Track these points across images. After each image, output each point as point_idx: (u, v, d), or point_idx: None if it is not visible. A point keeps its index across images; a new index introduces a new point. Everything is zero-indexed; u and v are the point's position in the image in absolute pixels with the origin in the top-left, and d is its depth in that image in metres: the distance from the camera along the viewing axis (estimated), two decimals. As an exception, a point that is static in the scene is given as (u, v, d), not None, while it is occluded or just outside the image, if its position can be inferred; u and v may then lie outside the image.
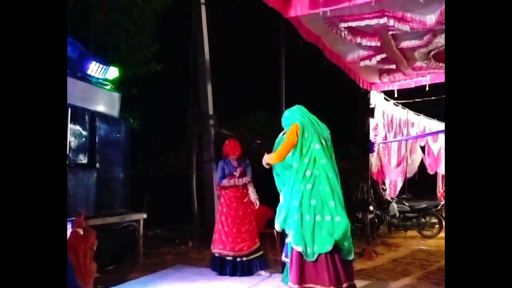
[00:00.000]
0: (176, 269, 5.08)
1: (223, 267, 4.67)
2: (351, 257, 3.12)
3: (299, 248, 3.04)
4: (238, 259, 4.65)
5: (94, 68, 5.11)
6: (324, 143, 3.25)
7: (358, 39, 5.59)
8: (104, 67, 5.25)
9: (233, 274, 4.59)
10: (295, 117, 3.41)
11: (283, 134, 3.58)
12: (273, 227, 5.94)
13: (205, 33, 7.67)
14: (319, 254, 3.02)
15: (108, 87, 5.47)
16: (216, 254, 4.75)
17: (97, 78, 5.27)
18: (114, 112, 5.49)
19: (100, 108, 5.29)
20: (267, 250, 5.47)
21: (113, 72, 5.40)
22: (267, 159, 3.47)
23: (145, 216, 5.82)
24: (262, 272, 4.68)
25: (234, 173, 4.80)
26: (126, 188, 5.75)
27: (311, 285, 3.03)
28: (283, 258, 3.99)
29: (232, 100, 10.67)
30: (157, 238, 7.70)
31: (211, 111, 7.57)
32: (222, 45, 9.11)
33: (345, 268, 3.08)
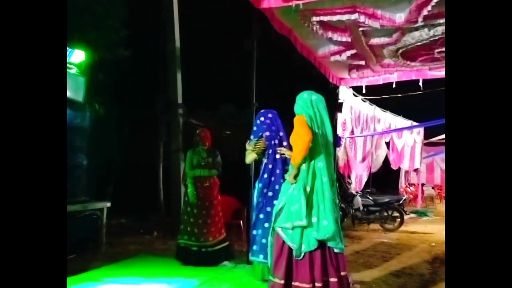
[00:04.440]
0: (140, 258, 5.00)
1: (188, 257, 4.64)
2: (338, 250, 3.11)
3: (293, 246, 3.03)
4: (203, 250, 4.64)
5: (58, 51, 4.89)
6: (323, 145, 3.17)
7: (329, 34, 5.65)
8: (69, 50, 5.05)
9: (197, 264, 4.57)
10: (307, 111, 3.18)
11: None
12: (240, 218, 5.99)
13: (176, 20, 7.52)
14: (305, 253, 3.03)
15: (73, 71, 5.27)
16: (181, 245, 4.71)
17: (62, 61, 5.06)
18: (79, 97, 5.30)
19: (64, 92, 5.10)
20: (233, 241, 5.47)
21: (78, 56, 5.20)
22: (292, 173, 3.14)
23: (108, 205, 5.69)
24: (227, 263, 4.68)
25: (202, 163, 4.76)
26: (90, 176, 5.60)
27: (296, 283, 3.03)
28: (253, 259, 3.95)
29: (203, 90, 10.55)
30: (121, 227, 7.56)
31: (180, 100, 7.45)
32: (193, 33, 8.97)
33: (335, 261, 3.07)
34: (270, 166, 3.94)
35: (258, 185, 4.00)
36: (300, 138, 3.04)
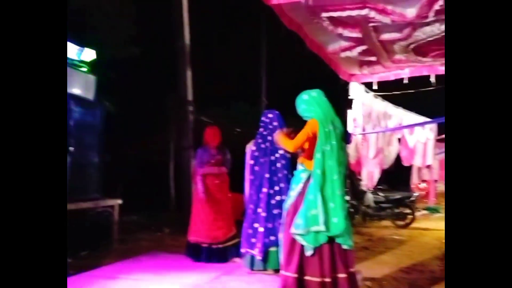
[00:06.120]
0: (151, 255, 5.05)
1: (198, 254, 4.68)
2: (347, 246, 3.12)
3: (309, 246, 3.05)
4: (214, 246, 4.66)
5: (69, 49, 4.95)
6: (335, 142, 3.16)
7: (340, 30, 5.59)
8: (80, 48, 5.10)
9: (208, 261, 4.60)
10: (315, 110, 3.21)
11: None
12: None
13: (186, 18, 7.54)
14: (314, 248, 3.05)
15: (84, 69, 5.32)
16: (192, 241, 4.74)
17: (73, 60, 5.12)
18: (90, 95, 5.36)
19: (75, 90, 5.16)
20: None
21: (89, 54, 5.26)
22: (282, 142, 3.32)
23: (120, 202, 5.75)
24: (237, 259, 4.70)
25: (212, 161, 4.78)
26: (101, 173, 5.66)
27: (307, 277, 3.06)
28: (247, 249, 4.17)
29: (214, 87, 10.58)
30: (133, 224, 7.63)
31: (190, 98, 7.48)
32: (203, 30, 8.99)
33: (343, 257, 3.10)
34: (267, 161, 4.20)
35: (249, 177, 4.33)
36: (295, 139, 3.21)
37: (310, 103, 3.25)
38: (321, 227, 3.01)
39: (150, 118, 8.77)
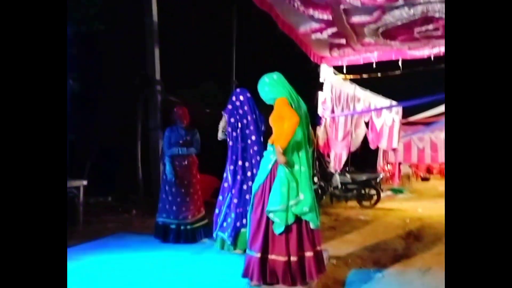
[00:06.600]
0: (118, 236, 4.97)
1: (166, 235, 4.64)
2: (314, 226, 3.16)
3: (282, 223, 3.07)
4: (182, 227, 4.64)
5: (28, 23, 4.68)
6: (301, 119, 3.12)
7: (311, 11, 5.59)
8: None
9: (176, 241, 4.58)
10: (279, 90, 3.19)
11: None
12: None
13: (154, -7, 7.29)
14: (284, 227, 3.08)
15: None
16: (160, 223, 4.70)
17: (33, 34, 4.85)
18: (52, 72, 5.12)
19: (36, 67, 4.91)
20: (212, 219, 5.48)
21: (51, 29, 5.00)
22: (278, 153, 3.01)
23: (85, 183, 5.60)
24: (206, 240, 4.70)
25: (181, 141, 4.71)
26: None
27: (273, 256, 3.09)
28: (218, 232, 4.19)
29: (183, 67, 10.35)
30: (99, 206, 7.48)
31: (158, 76, 7.29)
32: (172, 7, 8.73)
33: (311, 236, 3.14)
34: (239, 148, 4.12)
35: (229, 167, 4.19)
36: (288, 120, 3.01)
37: (273, 84, 3.25)
38: (300, 197, 3.06)
39: (116, 97, 8.50)
